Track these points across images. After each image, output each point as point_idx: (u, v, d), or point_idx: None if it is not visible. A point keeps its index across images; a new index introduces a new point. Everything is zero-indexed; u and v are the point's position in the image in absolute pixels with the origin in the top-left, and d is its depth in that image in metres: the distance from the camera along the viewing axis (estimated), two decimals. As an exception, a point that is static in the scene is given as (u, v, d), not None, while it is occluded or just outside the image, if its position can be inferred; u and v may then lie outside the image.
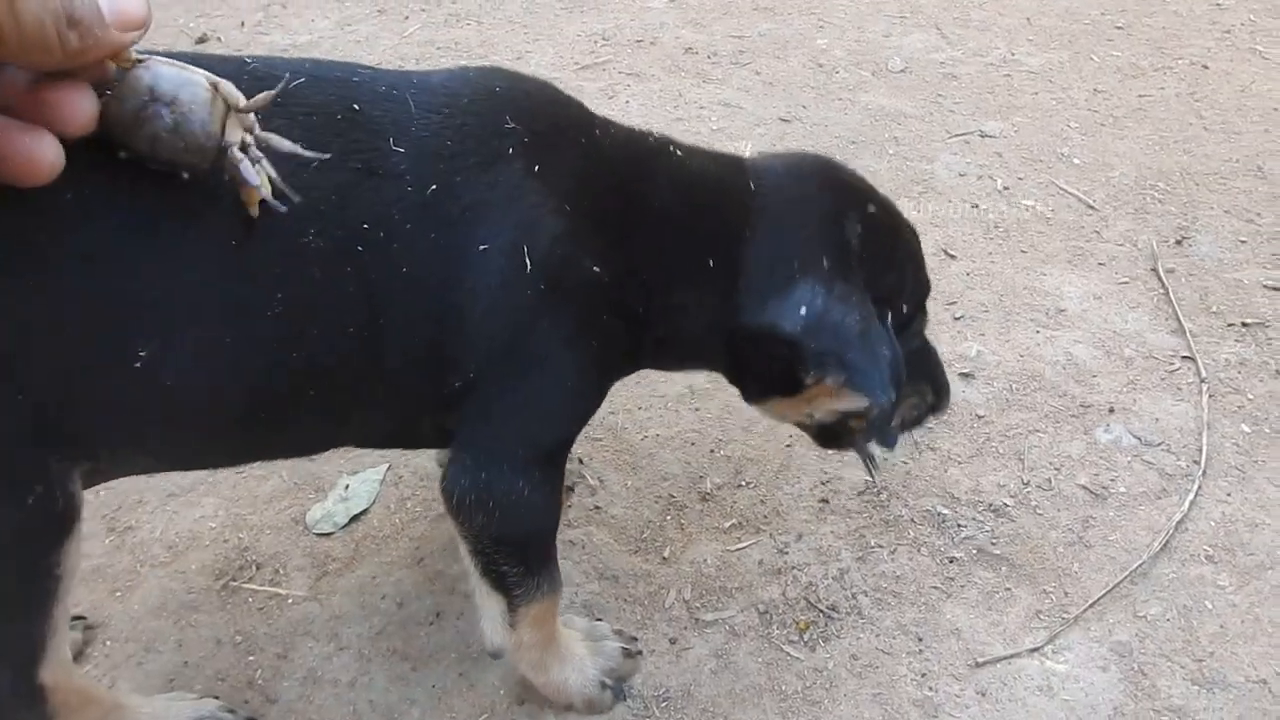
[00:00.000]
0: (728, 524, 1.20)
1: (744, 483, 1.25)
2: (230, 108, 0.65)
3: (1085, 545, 1.17)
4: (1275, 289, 1.55)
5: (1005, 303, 1.52)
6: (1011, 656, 1.06)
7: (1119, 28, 2.32)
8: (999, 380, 1.39)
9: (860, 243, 0.93)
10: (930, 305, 1.43)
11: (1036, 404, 1.35)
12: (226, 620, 1.08)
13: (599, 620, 1.08)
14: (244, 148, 0.67)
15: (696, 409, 1.35)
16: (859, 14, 2.43)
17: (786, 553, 1.17)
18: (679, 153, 0.95)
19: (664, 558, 1.16)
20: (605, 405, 1.31)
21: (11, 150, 0.55)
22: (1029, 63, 2.15)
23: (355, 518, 1.19)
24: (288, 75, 0.70)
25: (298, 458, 1.01)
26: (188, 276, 0.73)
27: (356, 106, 0.79)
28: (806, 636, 1.08)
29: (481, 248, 0.81)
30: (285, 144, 0.69)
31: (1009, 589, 1.12)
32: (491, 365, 0.84)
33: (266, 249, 0.74)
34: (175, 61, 0.63)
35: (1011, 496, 1.23)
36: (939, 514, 1.21)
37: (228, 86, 0.65)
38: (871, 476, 1.21)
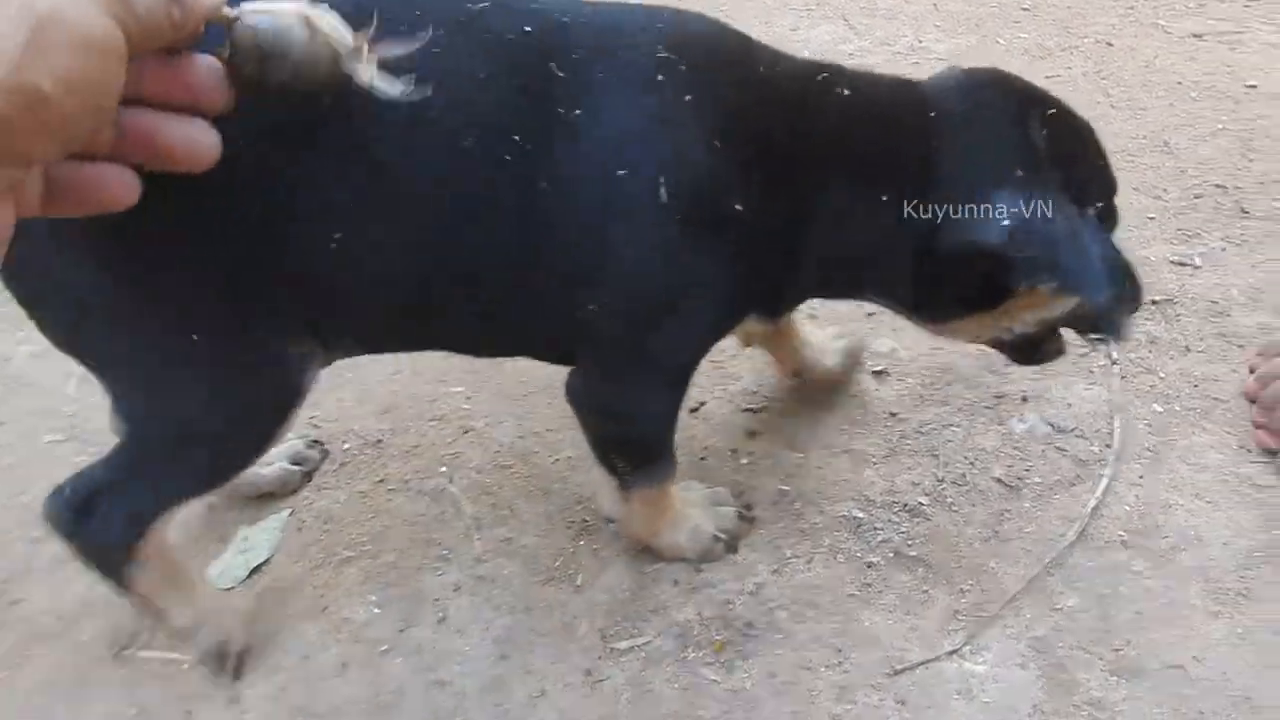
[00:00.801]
0: (642, 545, 1.18)
1: (658, 500, 1.23)
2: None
3: (1001, 540, 1.16)
4: (1182, 264, 1.55)
5: (917, 295, 1.51)
6: (930, 661, 1.04)
7: (1025, 9, 2.32)
8: (913, 376, 1.37)
9: (1048, 145, 0.91)
10: (843, 306, 1.44)
11: (950, 398, 1.34)
12: (123, 692, 1.04)
13: (719, 488, 1.18)
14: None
15: (608, 428, 1.33)
16: (765, 8, 2.42)
17: (702, 570, 1.14)
18: (851, 81, 0.94)
19: (577, 586, 1.14)
20: (514, 429, 1.30)
21: (174, 140, 0.58)
22: (937, 49, 2.14)
23: (256, 569, 1.15)
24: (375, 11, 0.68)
25: (467, 354, 1.08)
26: (364, 177, 0.80)
27: (528, 29, 0.83)
28: (723, 657, 1.06)
29: (620, 173, 0.83)
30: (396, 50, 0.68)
31: (926, 591, 1.11)
32: (626, 292, 0.88)
33: (429, 148, 0.81)
34: (264, 6, 0.62)
35: (927, 495, 1.21)
36: (855, 518, 1.19)
37: (324, 17, 0.63)
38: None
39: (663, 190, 0.84)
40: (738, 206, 0.87)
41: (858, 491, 1.22)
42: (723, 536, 1.14)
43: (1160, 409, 1.31)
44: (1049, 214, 0.87)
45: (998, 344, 1.09)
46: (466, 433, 1.32)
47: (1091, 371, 1.37)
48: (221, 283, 0.81)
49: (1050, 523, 1.17)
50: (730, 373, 1.39)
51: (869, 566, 1.14)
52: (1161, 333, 1.43)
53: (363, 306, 0.89)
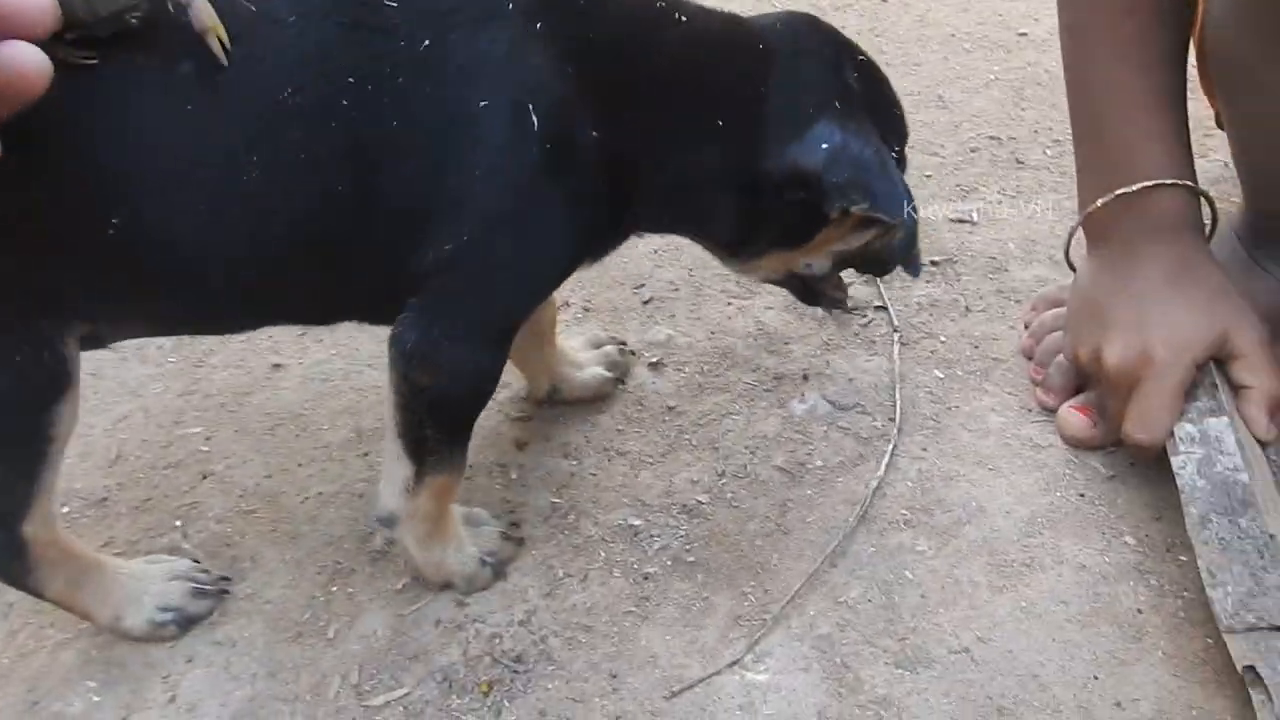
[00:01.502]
0: (400, 583, 1.07)
1: (420, 530, 1.12)
2: None
3: (784, 532, 1.09)
4: (960, 221, 1.52)
5: (695, 278, 1.44)
6: (710, 677, 0.97)
7: (797, -31, 2.28)
8: (690, 364, 1.30)
9: (858, 88, 0.97)
10: (619, 297, 1.35)
11: (729, 384, 1.27)
12: None
13: (476, 508, 1.11)
14: None
15: (365, 454, 1.21)
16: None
17: (466, 604, 1.05)
18: (687, 12, 0.95)
19: (329, 639, 1.02)
20: (260, 468, 1.17)
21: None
22: (708, 4, 2.08)
23: (-52, 668, 1.00)
24: None
25: (293, 325, 1.05)
26: (154, 140, 0.76)
27: None
28: (490, 699, 0.97)
29: (482, 104, 0.81)
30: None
31: (707, 598, 1.04)
32: (479, 230, 0.85)
33: (238, 110, 0.77)
34: None
35: (706, 492, 1.14)
36: (631, 526, 1.11)
37: None
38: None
39: (533, 119, 0.83)
40: (593, 134, 0.87)
41: (634, 497, 1.14)
42: (489, 560, 1.06)
43: (941, 374, 1.27)
44: (863, 143, 0.93)
45: (789, 284, 1.12)
46: (205, 478, 1.19)
47: (873, 342, 1.33)
48: None
49: (834, 508, 1.12)
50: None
51: (646, 578, 1.06)
52: (942, 294, 1.40)
53: (162, 287, 0.84)
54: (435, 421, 0.94)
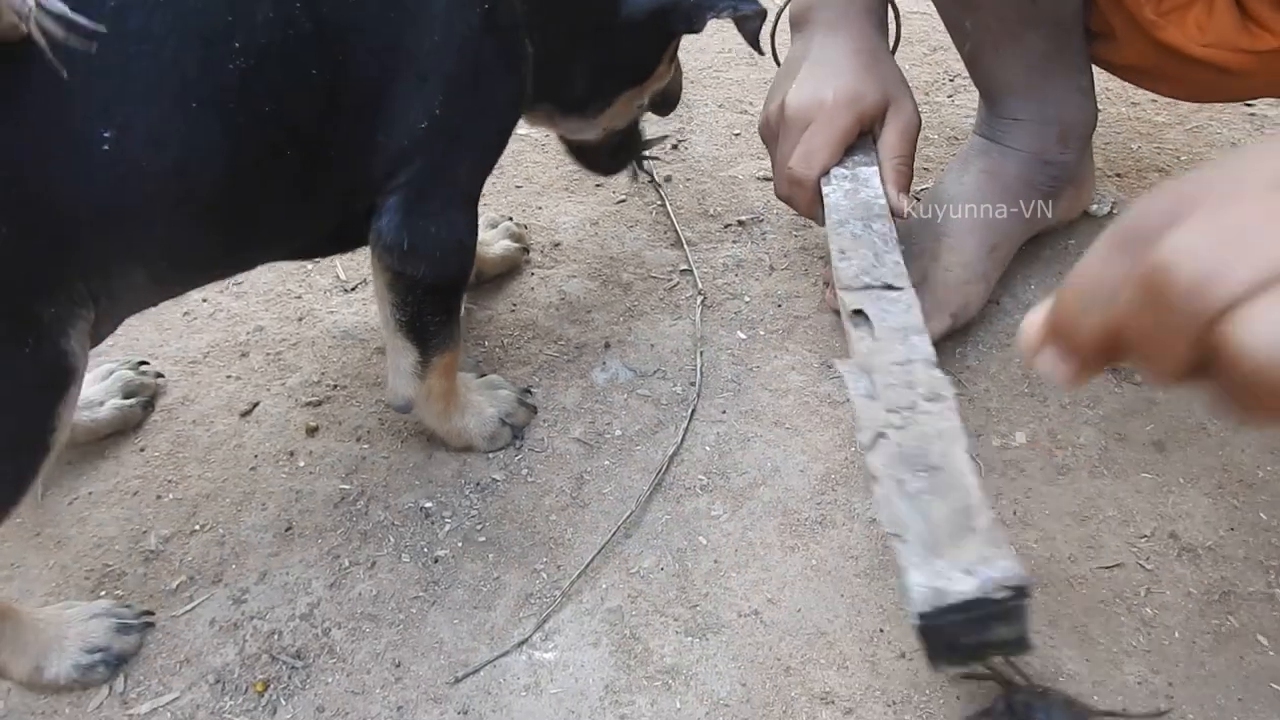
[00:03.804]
0: (175, 583, 1.01)
1: (198, 526, 1.07)
2: None
3: (580, 506, 1.07)
4: (767, 179, 1.51)
5: (498, 249, 1.40)
6: (497, 659, 0.94)
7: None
8: (491, 338, 1.26)
9: None
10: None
11: (530, 356, 1.24)
12: None
13: (492, 374, 1.17)
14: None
15: (141, 449, 1.14)
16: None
17: (245, 601, 0.99)
18: None
19: (93, 647, 0.96)
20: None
21: None
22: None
23: None
24: None
25: (283, 259, 1.04)
26: (131, 47, 0.72)
27: None
28: (266, 698, 0.92)
29: None
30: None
31: (498, 578, 1.01)
32: (449, 103, 0.89)
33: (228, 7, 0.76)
34: None
35: (502, 469, 1.11)
36: (423, 509, 1.07)
37: None
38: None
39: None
40: (515, 6, 0.93)
41: (427, 478, 1.10)
42: (509, 421, 1.12)
43: (744, 335, 1.26)
44: None
45: (604, 143, 1.21)
46: (-39, 483, 1.10)
47: (678, 306, 1.31)
48: None
49: (630, 478, 1.10)
50: (289, 364, 1.24)
51: (436, 561, 1.02)
52: (747, 254, 1.39)
53: (156, 227, 0.80)
54: (432, 304, 0.99)
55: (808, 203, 1.08)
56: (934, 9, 1.23)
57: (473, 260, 1.03)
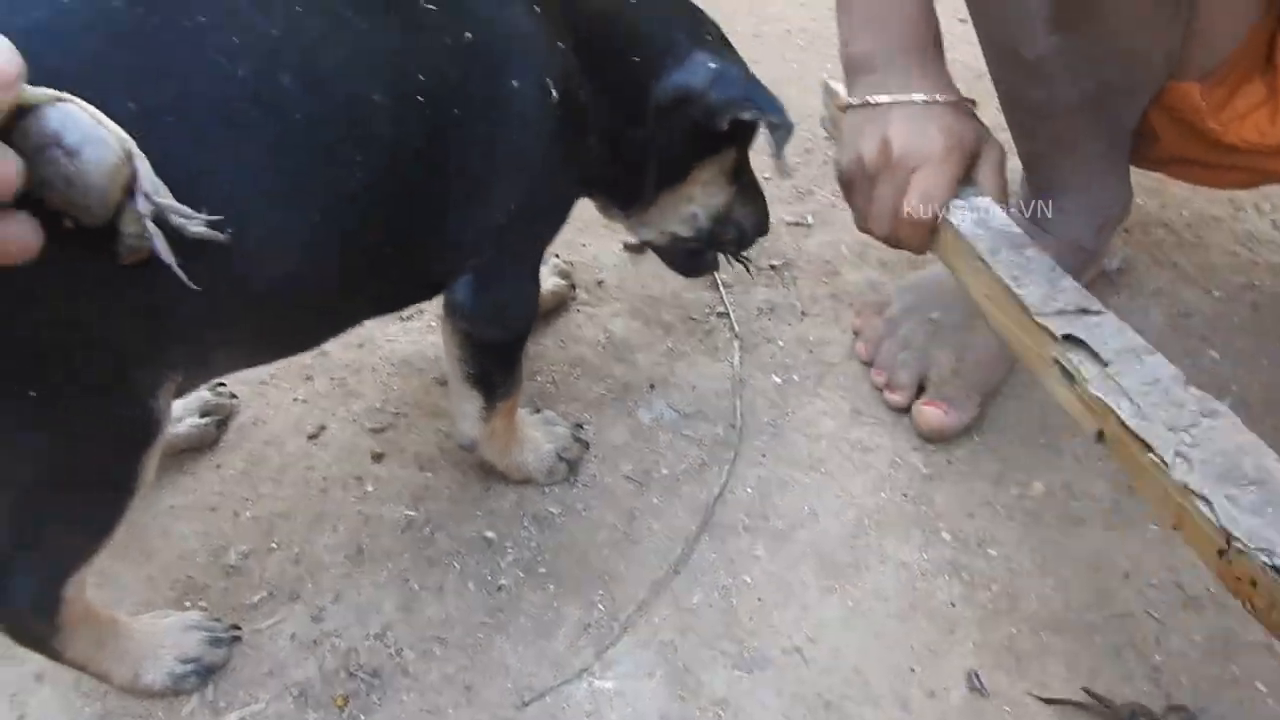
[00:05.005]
0: (256, 598, 1.09)
1: (274, 544, 1.14)
2: (135, 178, 0.63)
3: (631, 542, 1.15)
4: (797, 224, 1.59)
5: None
6: (560, 685, 1.02)
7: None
8: (542, 374, 1.34)
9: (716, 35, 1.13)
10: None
11: (580, 393, 1.32)
12: None
13: (547, 410, 1.26)
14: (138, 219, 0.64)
15: (218, 466, 1.21)
16: None
17: (322, 619, 1.07)
18: None
19: (183, 659, 1.03)
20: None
21: None
22: None
23: None
24: None
25: (347, 326, 1.04)
26: (254, 153, 0.77)
27: None
28: (347, 713, 1.00)
29: (514, 84, 0.92)
30: (184, 210, 0.67)
31: (557, 608, 1.09)
32: (525, 190, 0.97)
33: (342, 117, 0.82)
34: (95, 111, 0.60)
35: (558, 503, 1.19)
36: (485, 538, 1.15)
37: (142, 163, 0.63)
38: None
39: (552, 91, 0.94)
40: (581, 96, 1.00)
41: (488, 508, 1.18)
42: (564, 457, 1.21)
43: (779, 380, 1.35)
44: (738, 65, 1.10)
45: (672, 247, 1.24)
46: (48, 496, 1.17)
47: (716, 348, 1.39)
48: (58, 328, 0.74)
49: (678, 516, 1.18)
50: (352, 390, 1.31)
51: (499, 589, 1.10)
52: (779, 298, 1.47)
53: (257, 315, 0.86)
54: (498, 358, 1.09)
55: (922, 240, 1.13)
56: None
57: (534, 319, 1.12)
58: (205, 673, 1.01)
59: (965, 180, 1.11)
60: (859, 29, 1.15)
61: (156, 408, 0.84)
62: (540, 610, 1.09)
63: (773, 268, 1.51)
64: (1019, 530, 1.17)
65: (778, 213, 1.61)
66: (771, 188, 1.63)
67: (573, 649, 1.05)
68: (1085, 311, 0.91)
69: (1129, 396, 0.82)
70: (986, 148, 1.13)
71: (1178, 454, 0.76)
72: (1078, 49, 1.09)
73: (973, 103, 1.14)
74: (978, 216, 1.07)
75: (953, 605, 1.11)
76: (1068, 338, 0.89)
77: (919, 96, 1.09)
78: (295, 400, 1.29)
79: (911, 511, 1.19)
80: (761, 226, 1.25)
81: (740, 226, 1.23)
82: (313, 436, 1.25)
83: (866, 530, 1.17)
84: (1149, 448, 0.78)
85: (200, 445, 1.22)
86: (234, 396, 1.27)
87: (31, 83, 0.58)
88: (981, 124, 1.14)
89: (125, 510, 0.88)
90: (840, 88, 1.23)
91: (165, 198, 0.66)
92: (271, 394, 1.30)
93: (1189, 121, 1.14)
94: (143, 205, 0.64)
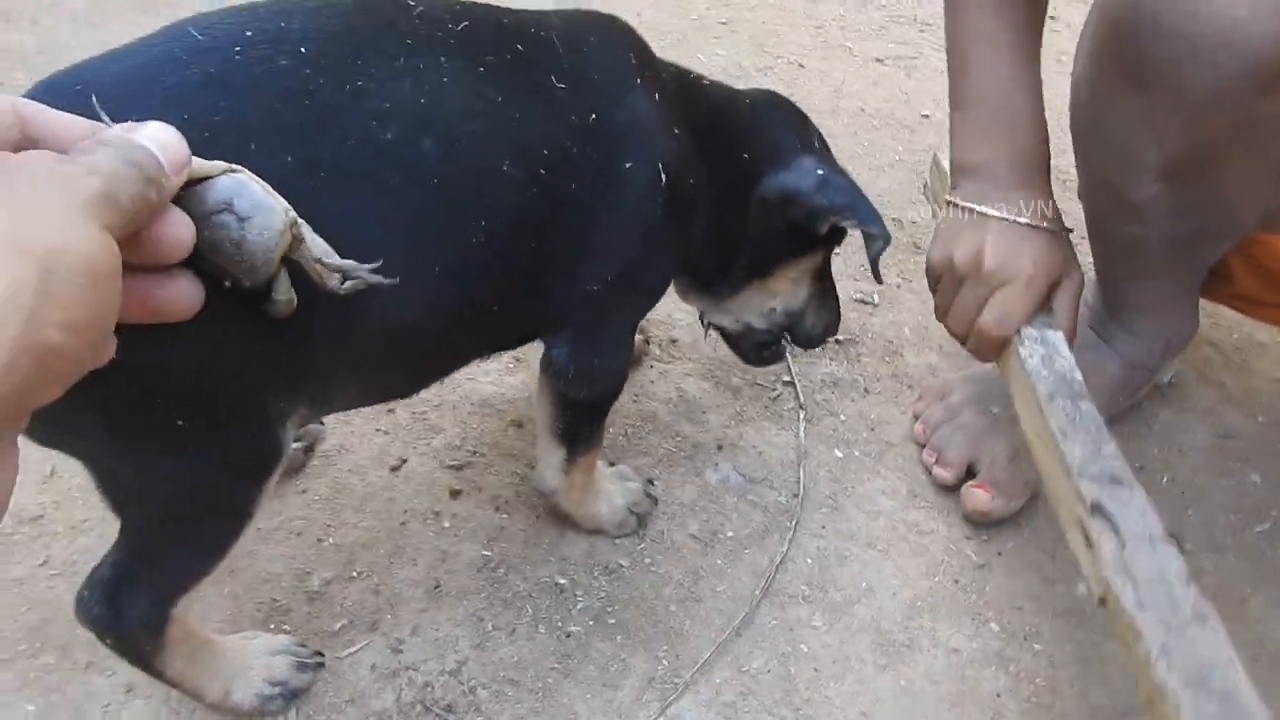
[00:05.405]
0: (337, 625, 1.14)
1: (355, 573, 1.19)
2: (296, 240, 0.68)
3: (696, 600, 1.20)
4: (864, 302, 1.65)
5: (620, 336, 1.53)
6: (626, 737, 1.07)
7: (723, 23, 2.38)
8: (616, 426, 1.39)
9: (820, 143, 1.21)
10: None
11: (651, 448, 1.37)
12: None
13: (621, 465, 1.31)
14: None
15: (303, 491, 1.26)
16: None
17: (401, 651, 1.12)
18: (703, 79, 1.17)
19: (267, 677, 1.08)
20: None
21: (158, 302, 0.58)
22: (643, 59, 2.16)
23: (-113, 687, 1.02)
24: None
25: (467, 365, 1.11)
26: (398, 214, 0.84)
27: (520, 47, 0.93)
28: (423, 747, 1.05)
29: (627, 165, 0.98)
30: (351, 266, 0.72)
31: (624, 659, 1.14)
32: (626, 266, 1.02)
33: (474, 183, 0.88)
34: (264, 184, 0.65)
35: (627, 555, 1.24)
36: (557, 584, 1.20)
37: (308, 230, 0.68)
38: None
39: (662, 175, 1.00)
40: (692, 181, 1.06)
41: (561, 555, 1.23)
42: (635, 511, 1.25)
43: (841, 454, 1.40)
44: (842, 175, 1.16)
45: (744, 336, 1.29)
46: (143, 503, 1.22)
47: (781, 416, 1.44)
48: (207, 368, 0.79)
49: (741, 579, 1.23)
50: (433, 425, 1.36)
51: (569, 636, 1.15)
52: (844, 374, 1.52)
53: (375, 362, 0.92)
54: (586, 417, 1.15)
55: (990, 353, 1.19)
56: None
57: (624, 383, 1.17)
58: (291, 696, 1.06)
59: (1044, 305, 1.17)
60: (971, 132, 1.20)
61: (283, 438, 0.90)
62: (607, 660, 1.13)
63: (838, 342, 1.57)
64: (1063, 627, 1.22)
65: (845, 289, 1.66)
66: (839, 263, 1.70)
67: (638, 702, 1.10)
68: (1119, 483, 0.97)
69: (1135, 583, 0.88)
70: (1068, 279, 1.19)
71: (1163, 651, 0.82)
72: (1182, 198, 1.15)
73: (1069, 230, 1.19)
74: (1045, 352, 1.13)
75: (998, 696, 1.15)
76: (1096, 507, 0.95)
77: (1021, 219, 1.15)
78: (378, 431, 1.34)
79: (963, 599, 1.24)
80: (832, 329, 1.31)
81: (813, 326, 1.29)
82: (394, 468, 1.30)
83: (920, 612, 1.22)
84: (1140, 636, 0.85)
85: (289, 470, 1.27)
86: (321, 423, 1.32)
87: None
88: (1072, 253, 1.20)
89: (241, 534, 0.94)
90: (947, 164, 1.29)
91: (334, 258, 0.72)
92: (355, 423, 1.35)
93: (1267, 268, 1.20)
94: (310, 258, 0.70)
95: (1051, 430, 1.03)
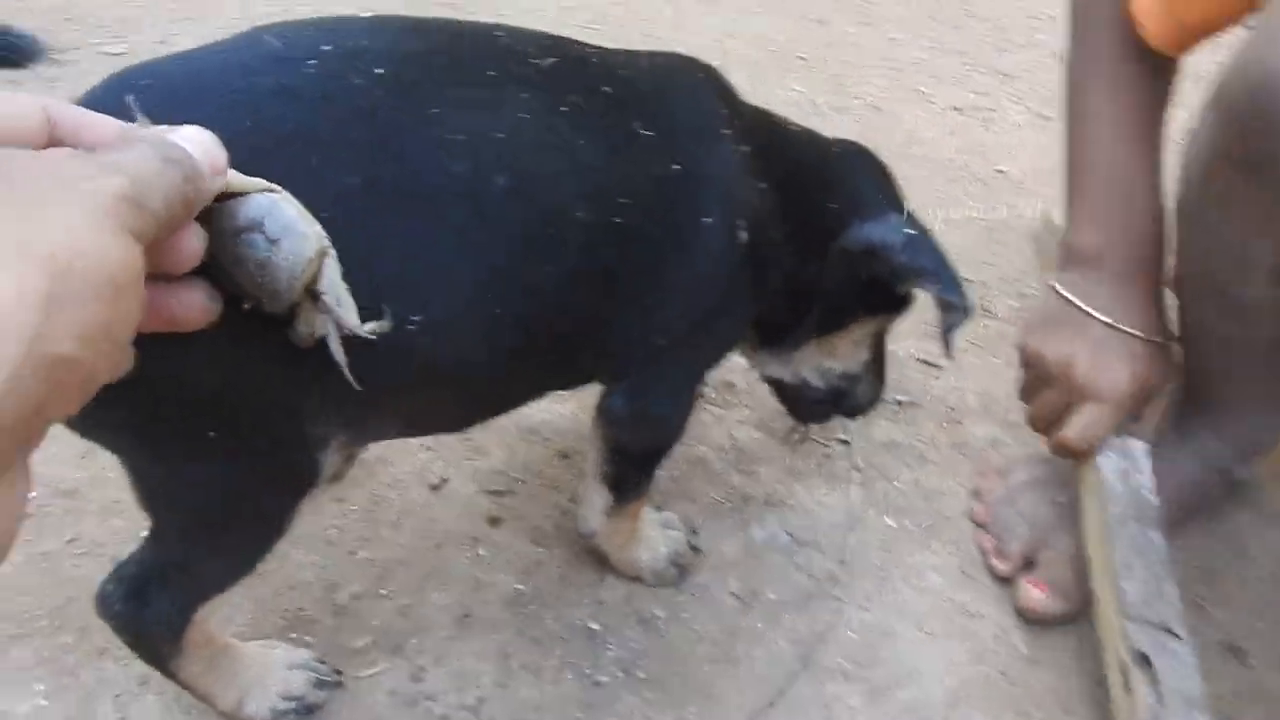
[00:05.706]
0: (360, 643, 1.10)
1: (385, 592, 1.15)
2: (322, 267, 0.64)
3: (730, 662, 1.15)
4: (928, 364, 1.60)
5: (676, 373, 1.49)
6: (647, 801, 1.02)
7: (801, 59, 2.34)
8: (663, 468, 1.34)
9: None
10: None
11: (697, 495, 1.33)
12: None
13: (668, 512, 1.26)
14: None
15: (340, 499, 1.23)
16: (559, 15, 2.33)
17: (422, 680, 1.08)
18: (788, 125, 1.12)
19: (283, 692, 1.04)
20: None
21: (172, 311, 0.56)
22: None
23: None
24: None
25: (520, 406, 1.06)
26: (461, 247, 0.79)
27: (608, 90, 0.89)
28: (435, 785, 1.00)
29: (706, 220, 0.94)
30: (354, 324, 0.69)
31: (650, 718, 1.09)
32: (701, 312, 0.98)
33: (542, 224, 0.83)
34: (301, 208, 0.62)
35: (664, 607, 1.19)
36: (590, 629, 1.15)
37: (331, 268, 0.65)
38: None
39: (743, 232, 0.97)
40: (775, 235, 1.02)
41: (595, 598, 1.19)
42: (677, 562, 1.21)
43: (893, 523, 1.35)
44: (930, 237, 1.10)
45: (797, 391, 1.25)
46: (177, 494, 1.19)
47: (834, 476, 1.39)
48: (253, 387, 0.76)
49: (779, 644, 1.18)
50: (478, 447, 1.32)
51: (596, 685, 1.11)
52: (902, 437, 1.47)
53: (423, 397, 0.88)
54: (636, 466, 1.11)
55: (1067, 458, 1.16)
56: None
57: (681, 436, 1.12)
58: (305, 712, 1.02)
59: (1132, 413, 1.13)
60: (1085, 216, 1.16)
61: (321, 461, 0.86)
62: (633, 714, 1.09)
63: (899, 403, 1.52)
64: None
65: (908, 348, 1.62)
66: (903, 319, 1.65)
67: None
68: (1170, 633, 0.94)
69: None
70: (1163, 390, 1.14)
71: None
72: None
73: (1174, 339, 1.14)
74: (1125, 466, 1.10)
75: (1038, 800, 1.10)
76: (1142, 658, 0.92)
77: (1124, 327, 1.10)
78: (422, 446, 1.31)
79: (1009, 692, 1.18)
80: (876, 402, 1.29)
81: (863, 394, 1.26)
82: (435, 487, 1.26)
83: (962, 702, 1.16)
84: None
85: (329, 477, 1.23)
86: None
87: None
88: (1173, 364, 1.15)
89: (270, 548, 0.91)
90: (1060, 222, 1.24)
91: (341, 307, 0.68)
92: (400, 434, 1.31)
93: None
94: (322, 306, 0.66)
95: (1114, 562, 1.00)
